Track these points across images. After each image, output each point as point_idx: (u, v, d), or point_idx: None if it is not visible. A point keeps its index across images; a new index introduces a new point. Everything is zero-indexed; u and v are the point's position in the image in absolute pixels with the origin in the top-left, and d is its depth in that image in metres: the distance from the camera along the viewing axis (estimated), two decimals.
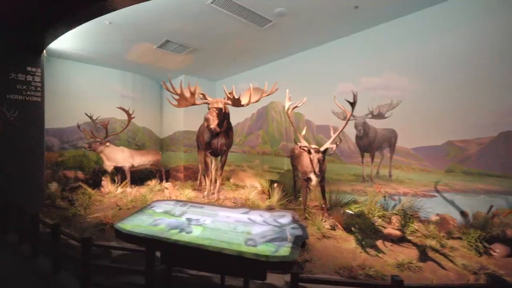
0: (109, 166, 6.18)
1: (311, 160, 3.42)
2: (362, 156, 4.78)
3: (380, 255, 3.02)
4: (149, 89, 8.38)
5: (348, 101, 3.23)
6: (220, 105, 4.31)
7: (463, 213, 3.63)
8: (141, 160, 6.72)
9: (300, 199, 5.12)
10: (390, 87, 4.38)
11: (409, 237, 3.46)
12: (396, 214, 3.96)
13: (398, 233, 3.36)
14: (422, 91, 4.01)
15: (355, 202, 4.63)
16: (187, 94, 4.22)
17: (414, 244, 3.30)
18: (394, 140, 4.36)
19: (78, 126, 5.98)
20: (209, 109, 4.31)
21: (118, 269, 2.70)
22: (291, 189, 5.35)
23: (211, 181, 5.34)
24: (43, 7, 4.17)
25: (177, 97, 4.28)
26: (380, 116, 4.53)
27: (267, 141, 6.74)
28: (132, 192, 5.40)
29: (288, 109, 3.79)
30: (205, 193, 5.45)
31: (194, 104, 4.34)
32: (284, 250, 1.68)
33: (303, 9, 4.02)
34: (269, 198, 4.89)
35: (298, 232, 1.92)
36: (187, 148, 7.96)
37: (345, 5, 3.88)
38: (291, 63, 6.04)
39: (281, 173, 6.33)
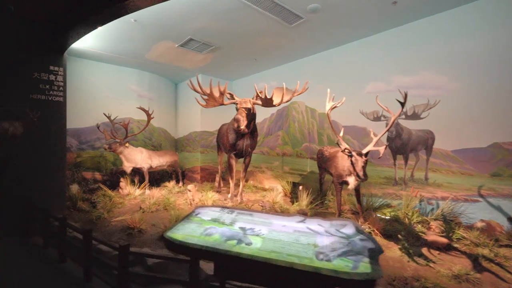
0: (128, 167, 6.07)
1: (352, 163, 3.24)
2: (394, 159, 4.59)
3: (431, 264, 2.83)
4: (164, 89, 8.27)
5: (399, 101, 3.04)
6: (249, 105, 4.16)
7: (511, 219, 3.42)
8: (159, 161, 6.61)
9: (326, 202, 4.95)
10: (426, 86, 4.18)
11: (455, 245, 3.26)
12: (437, 220, 3.76)
13: (444, 240, 3.17)
14: (464, 90, 3.80)
15: (388, 206, 4.43)
16: (216, 94, 4.06)
17: (463, 253, 3.10)
18: (431, 141, 4.16)
19: (98, 127, 5.88)
20: (237, 109, 4.16)
21: (157, 278, 2.55)
22: (317, 192, 5.17)
23: (234, 183, 5.18)
24: (68, 5, 4.07)
25: (205, 97, 4.13)
26: (415, 116, 4.33)
27: (288, 142, 6.57)
28: (154, 194, 5.26)
29: (328, 109, 3.56)
30: (229, 195, 5.31)
31: (222, 104, 4.19)
32: (364, 266, 1.52)
33: (338, 5, 3.85)
34: (297, 202, 4.71)
35: (369, 244, 1.75)
36: (203, 149, 7.83)
37: (383, 0, 3.70)
38: (315, 62, 5.86)
39: (303, 175, 6.15)
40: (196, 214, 2.28)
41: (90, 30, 4.17)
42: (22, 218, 4.08)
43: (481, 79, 3.65)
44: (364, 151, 3.24)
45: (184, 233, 1.94)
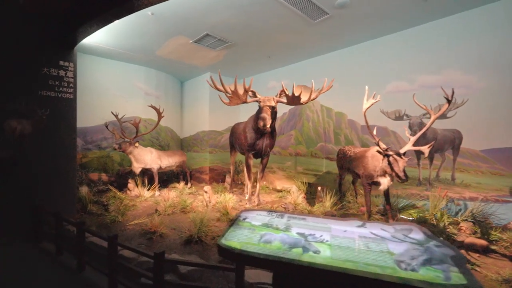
0: (137, 168, 5.84)
1: (390, 164, 3.12)
2: (418, 158, 4.50)
3: (476, 268, 2.73)
4: (171, 87, 8.04)
5: (446, 98, 2.92)
6: (273, 103, 4.00)
7: None
8: (168, 161, 6.39)
9: (344, 203, 4.82)
10: (453, 85, 4.09)
11: (492, 247, 3.17)
12: (466, 221, 3.68)
13: (484, 242, 3.08)
14: (494, 89, 3.73)
15: (413, 207, 4.34)
16: (240, 91, 3.89)
17: (503, 255, 3.02)
18: (458, 141, 4.08)
19: (106, 126, 5.62)
20: (260, 107, 3.99)
21: (195, 287, 2.37)
22: (335, 193, 5.04)
23: (251, 184, 5.01)
24: None
25: (228, 94, 3.95)
26: (441, 116, 4.24)
27: (302, 141, 6.44)
28: (168, 196, 5.05)
29: (365, 108, 3.40)
30: (246, 196, 5.15)
31: (245, 102, 4.02)
32: (457, 276, 1.38)
33: (367, 1, 3.72)
34: (319, 203, 4.58)
35: (449, 251, 1.61)
36: (212, 149, 7.63)
37: None
38: (331, 60, 5.73)
39: (319, 175, 6.03)
40: (244, 219, 2.11)
41: (105, 24, 3.94)
42: (32, 221, 3.82)
43: (510, 78, 3.59)
44: (402, 151, 3.12)
45: (240, 240, 1.77)
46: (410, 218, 4.12)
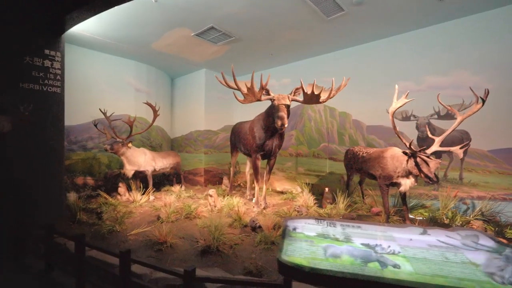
0: (129, 170, 5.34)
1: (418, 165, 3.05)
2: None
3: None
4: (162, 83, 7.55)
5: (481, 98, 2.90)
6: (288, 102, 3.80)
7: None
8: (162, 163, 5.96)
9: (351, 202, 4.75)
10: (461, 87, 4.19)
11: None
12: (478, 220, 3.75)
13: (504, 241, 3.11)
14: (501, 91, 3.85)
15: (422, 207, 4.38)
16: (255, 89, 3.64)
17: None
18: (466, 141, 4.16)
19: (95, 124, 5.07)
20: (275, 106, 3.77)
21: None
22: (343, 194, 4.96)
23: (259, 187, 4.77)
24: None
25: (242, 91, 3.68)
26: (448, 116, 4.33)
27: (303, 142, 6.32)
28: (169, 200, 4.64)
29: (394, 108, 3.27)
30: (253, 200, 4.91)
31: (259, 100, 3.78)
32: None
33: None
34: (331, 205, 4.46)
35: None
36: (207, 149, 7.26)
37: None
38: (336, 58, 5.65)
39: (321, 176, 5.94)
40: (294, 229, 1.88)
41: (99, 11, 3.51)
42: (14, 234, 3.28)
43: None
44: (429, 152, 3.07)
45: (303, 255, 1.54)
46: (420, 218, 4.13)
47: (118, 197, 5.39)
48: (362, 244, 1.68)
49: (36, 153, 3.67)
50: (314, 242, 1.71)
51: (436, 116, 4.45)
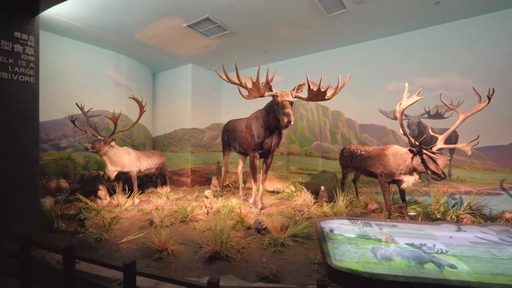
0: (112, 171, 4.86)
1: (423, 161, 3.11)
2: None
3: None
4: (144, 77, 7.03)
5: (488, 97, 3.00)
6: (291, 99, 3.69)
7: None
8: (148, 163, 5.54)
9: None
10: (449, 87, 4.41)
11: None
12: (469, 213, 3.95)
13: None
14: (487, 93, 4.09)
15: (415, 202, 4.54)
16: (259, 84, 3.46)
17: None
18: (454, 140, 4.39)
19: (73, 121, 4.54)
20: (279, 102, 3.63)
21: None
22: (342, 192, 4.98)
23: (256, 187, 4.60)
24: None
25: (246, 87, 3.49)
26: (438, 116, 4.54)
27: (295, 140, 6.27)
28: (161, 204, 4.28)
29: (403, 107, 3.26)
30: (250, 200, 4.73)
31: (262, 96, 3.61)
32: None
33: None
34: (329, 203, 4.43)
35: None
36: (194, 149, 6.91)
37: None
38: (330, 57, 5.67)
39: (313, 174, 5.94)
40: (331, 231, 1.76)
41: None
42: None
43: (504, 83, 3.99)
44: (434, 149, 3.15)
45: (355, 259, 1.43)
46: (412, 214, 4.27)
47: (98, 201, 4.88)
48: (407, 244, 1.61)
49: (5, 154, 3.13)
50: (359, 244, 1.60)
51: (426, 116, 4.65)
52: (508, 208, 3.97)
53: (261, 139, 4.23)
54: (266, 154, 4.47)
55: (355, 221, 1.94)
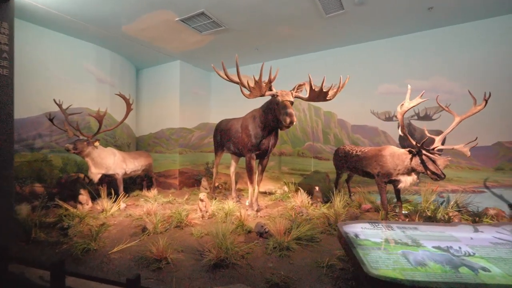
0: (96, 174, 4.52)
1: (423, 162, 3.19)
2: None
3: None
4: (127, 74, 6.63)
5: (486, 99, 3.12)
6: (292, 98, 3.63)
7: (511, 206, 4.08)
8: (134, 165, 5.23)
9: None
10: (438, 90, 4.59)
11: None
12: (459, 211, 4.13)
13: None
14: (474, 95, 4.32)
15: (406, 201, 4.67)
16: (261, 83, 3.35)
17: None
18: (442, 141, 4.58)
19: (51, 119, 4.14)
20: (279, 102, 3.54)
21: None
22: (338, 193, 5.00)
23: (253, 188, 4.49)
24: None
25: (248, 85, 3.36)
26: (427, 117, 4.71)
27: (287, 141, 6.23)
28: (153, 209, 4.01)
29: (405, 109, 3.30)
30: (247, 202, 4.61)
31: (263, 95, 3.51)
32: None
33: (382, 2, 3.76)
34: (326, 204, 4.43)
35: None
36: (182, 149, 6.63)
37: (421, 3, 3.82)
38: (323, 58, 5.69)
39: (306, 175, 5.94)
40: (357, 236, 1.70)
41: None
42: None
43: (488, 88, 4.21)
44: (435, 150, 3.23)
45: (390, 266, 1.37)
46: (404, 212, 4.40)
47: (80, 206, 4.50)
48: (434, 247, 1.59)
49: None
50: (389, 249, 1.55)
51: (416, 117, 4.81)
52: (491, 205, 4.21)
53: (259, 139, 4.13)
54: (263, 155, 4.38)
55: (377, 224, 1.90)
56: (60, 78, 4.91)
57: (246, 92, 3.39)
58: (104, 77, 5.73)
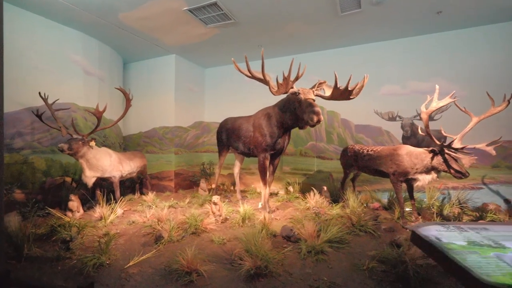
0: (90, 177, 4.05)
1: (446, 161, 3.27)
2: None
3: None
4: (116, 67, 6.06)
5: (508, 100, 3.25)
6: (314, 97, 3.53)
7: (506, 200, 4.40)
8: (130, 167, 4.79)
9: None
10: (441, 93, 4.79)
11: None
12: (462, 207, 4.35)
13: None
14: (471, 98, 4.59)
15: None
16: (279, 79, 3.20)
17: None
18: (443, 140, 4.80)
19: (39, 115, 3.59)
20: (302, 100, 3.42)
21: None
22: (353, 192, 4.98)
23: (265, 190, 4.32)
24: None
25: (277, 81, 3.19)
26: (428, 118, 4.90)
27: None
28: (162, 215, 3.64)
29: (431, 110, 3.36)
30: (260, 204, 4.43)
31: (287, 92, 3.36)
32: None
33: (397, 4, 3.82)
34: (338, 204, 4.40)
35: None
36: (177, 149, 6.24)
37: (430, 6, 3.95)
38: (328, 57, 5.68)
39: (309, 175, 5.90)
40: (439, 239, 1.62)
41: None
42: None
43: (486, 90, 4.50)
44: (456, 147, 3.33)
45: (499, 273, 1.30)
46: (408, 209, 4.54)
47: (70, 214, 3.99)
48: None
49: None
50: (480, 253, 1.49)
51: (418, 117, 4.99)
52: (488, 201, 4.50)
53: (275, 139, 3.98)
54: (275, 155, 4.24)
55: (448, 226, 1.85)
56: (43, 68, 4.30)
57: (273, 88, 3.21)
58: (92, 69, 5.16)
